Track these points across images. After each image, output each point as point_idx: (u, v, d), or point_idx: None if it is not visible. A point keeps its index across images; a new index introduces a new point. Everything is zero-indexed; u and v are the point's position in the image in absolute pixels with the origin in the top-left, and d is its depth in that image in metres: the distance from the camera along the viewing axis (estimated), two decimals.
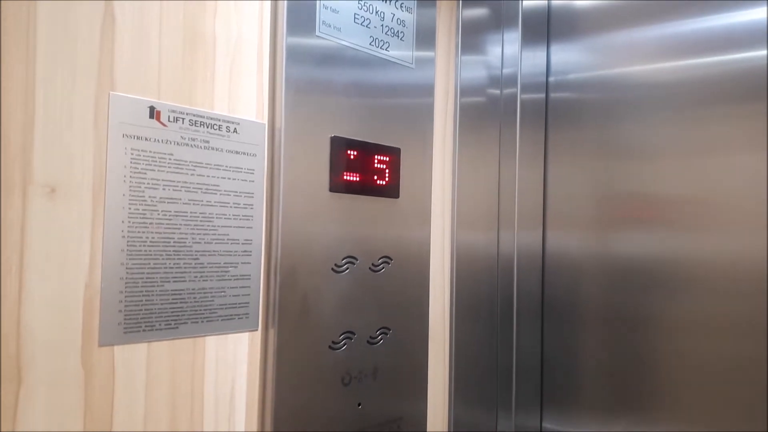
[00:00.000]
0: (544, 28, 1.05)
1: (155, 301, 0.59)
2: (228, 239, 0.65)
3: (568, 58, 1.03)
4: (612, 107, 0.96)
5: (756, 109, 0.81)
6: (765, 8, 0.81)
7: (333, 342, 0.74)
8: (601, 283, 0.97)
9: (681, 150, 0.88)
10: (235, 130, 0.65)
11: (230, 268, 0.65)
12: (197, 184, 0.62)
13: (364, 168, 0.77)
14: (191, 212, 0.61)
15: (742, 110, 0.82)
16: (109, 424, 0.56)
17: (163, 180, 0.59)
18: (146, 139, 0.58)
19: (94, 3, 0.55)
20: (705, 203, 0.85)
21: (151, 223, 0.58)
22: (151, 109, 0.59)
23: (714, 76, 0.85)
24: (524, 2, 1.01)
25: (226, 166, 0.64)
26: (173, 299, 0.60)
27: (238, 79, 0.66)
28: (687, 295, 0.87)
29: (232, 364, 0.66)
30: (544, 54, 1.05)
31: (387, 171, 0.80)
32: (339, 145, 0.74)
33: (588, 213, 0.99)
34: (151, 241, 0.59)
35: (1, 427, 0.50)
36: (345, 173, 0.75)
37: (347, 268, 0.76)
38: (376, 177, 0.78)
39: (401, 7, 0.82)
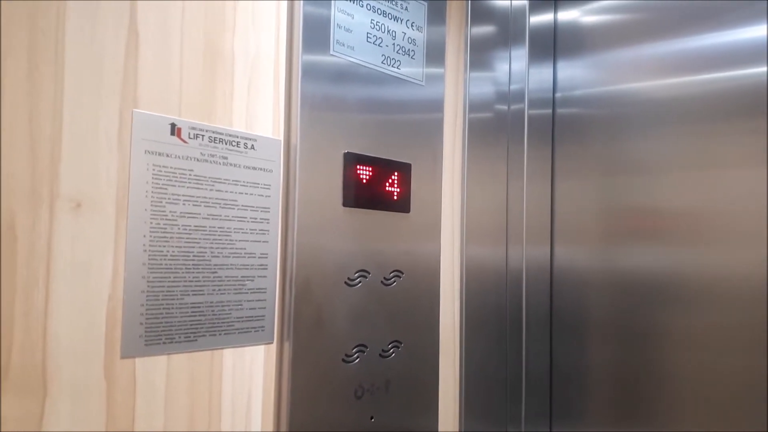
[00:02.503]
0: (550, 45, 1.07)
1: (175, 313, 0.60)
2: (245, 253, 0.66)
3: (574, 74, 1.05)
4: (618, 122, 0.98)
5: (758, 125, 0.82)
6: (765, 26, 0.83)
7: (346, 355, 0.75)
8: (609, 296, 0.97)
9: (686, 165, 0.89)
10: (252, 147, 0.66)
11: (247, 282, 0.66)
12: (216, 199, 0.63)
13: (376, 183, 0.78)
14: (210, 227, 0.63)
15: (745, 125, 0.84)
16: None
17: (183, 195, 0.61)
18: (167, 155, 0.60)
19: (119, 22, 0.57)
20: (711, 217, 0.86)
21: (171, 237, 0.60)
22: (173, 126, 0.60)
23: (717, 91, 0.87)
24: (531, 19, 1.03)
25: (244, 182, 0.66)
26: (192, 312, 0.61)
27: (256, 96, 0.67)
28: (694, 308, 0.87)
29: (249, 377, 0.66)
30: (551, 70, 1.07)
31: (398, 186, 0.81)
32: (352, 160, 0.75)
33: (595, 227, 1.00)
34: (171, 255, 0.60)
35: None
36: (358, 188, 0.76)
37: (360, 282, 0.77)
38: (387, 192, 0.80)
39: (412, 26, 0.84)
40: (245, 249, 0.66)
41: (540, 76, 1.05)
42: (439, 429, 0.88)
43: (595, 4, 1.02)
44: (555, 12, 1.07)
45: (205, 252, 0.62)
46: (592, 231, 1.00)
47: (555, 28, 1.07)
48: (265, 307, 0.68)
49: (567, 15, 1.06)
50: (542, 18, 1.06)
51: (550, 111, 1.06)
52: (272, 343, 0.69)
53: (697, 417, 0.87)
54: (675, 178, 0.90)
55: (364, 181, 0.77)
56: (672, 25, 0.92)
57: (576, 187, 1.02)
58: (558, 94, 1.06)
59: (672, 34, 0.92)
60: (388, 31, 0.80)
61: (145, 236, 0.58)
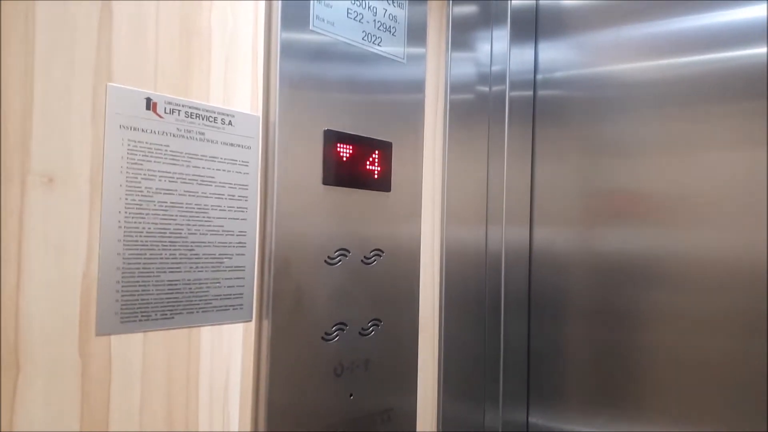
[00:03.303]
0: (532, 26, 1.07)
1: (151, 291, 0.59)
2: (223, 231, 0.65)
3: (556, 55, 1.04)
4: (599, 105, 0.98)
5: (743, 107, 0.83)
6: (747, 8, 0.83)
7: (326, 333, 0.75)
8: (588, 278, 0.98)
9: (668, 147, 0.89)
10: (230, 123, 0.66)
11: (225, 260, 0.66)
12: (193, 175, 0.62)
13: (356, 161, 0.78)
14: (187, 203, 0.62)
15: (728, 108, 0.84)
16: (106, 412, 0.56)
17: (159, 171, 0.60)
18: (143, 130, 0.59)
19: None
20: (690, 200, 0.87)
21: (147, 214, 0.59)
22: (148, 100, 0.59)
23: (702, 74, 0.87)
24: (513, 0, 1.03)
25: (221, 158, 0.65)
26: (169, 289, 0.61)
27: (234, 71, 0.66)
28: (672, 291, 0.88)
29: (227, 354, 0.66)
30: (532, 51, 1.06)
31: (379, 165, 0.81)
32: (332, 138, 0.75)
33: (574, 209, 1.00)
34: (147, 232, 0.59)
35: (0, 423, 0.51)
36: (338, 166, 0.75)
37: (340, 261, 0.76)
38: (368, 170, 0.79)
39: (393, 2, 0.83)
40: (223, 226, 0.65)
41: (521, 58, 1.05)
42: (418, 406, 0.88)
43: None
44: None
45: (182, 229, 0.62)
46: (572, 213, 1.01)
47: (537, 9, 1.07)
48: (243, 285, 0.67)
49: None
50: None
51: (531, 93, 1.06)
52: (251, 321, 0.68)
53: (674, 398, 0.88)
54: (657, 160, 0.90)
55: (345, 159, 0.76)
56: (656, 5, 0.92)
57: (556, 169, 1.03)
58: (539, 76, 1.06)
59: (656, 15, 0.92)
60: (369, 7, 0.79)
61: (120, 212, 0.57)
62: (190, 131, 0.62)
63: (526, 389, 1.04)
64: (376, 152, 0.80)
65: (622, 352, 0.93)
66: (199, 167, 0.63)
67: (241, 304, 0.67)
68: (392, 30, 0.83)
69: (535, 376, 1.04)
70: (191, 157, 0.62)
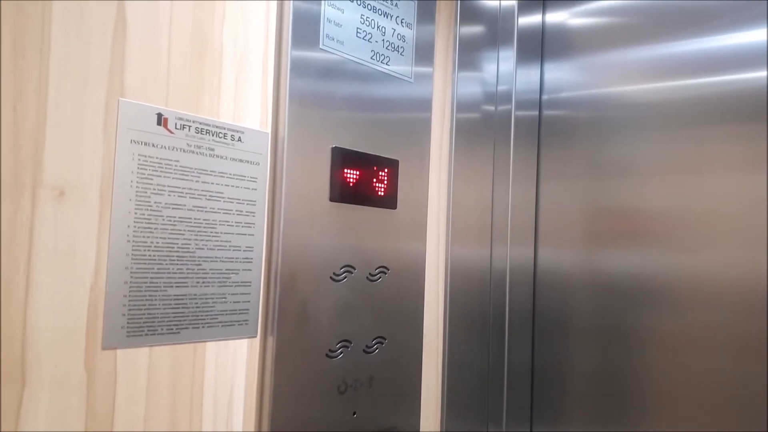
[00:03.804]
0: (538, 47, 1.07)
1: (158, 305, 0.60)
2: (230, 246, 0.65)
3: (561, 76, 1.05)
4: (604, 126, 0.98)
5: (744, 130, 0.83)
6: (751, 32, 0.84)
7: (330, 350, 0.75)
8: (591, 297, 0.98)
9: (671, 168, 0.90)
10: (239, 139, 0.66)
11: (231, 275, 0.66)
12: (201, 190, 0.63)
13: (363, 179, 0.78)
14: (195, 218, 0.62)
15: (732, 130, 0.85)
16: (110, 426, 0.56)
17: (168, 186, 0.60)
18: (153, 145, 0.59)
19: (106, 9, 0.56)
20: (693, 221, 0.87)
21: (156, 228, 0.59)
22: (159, 116, 0.60)
23: (704, 96, 0.88)
24: (519, 21, 1.04)
25: (230, 174, 0.65)
26: (176, 304, 0.61)
27: (244, 88, 0.67)
28: (674, 310, 0.88)
29: (231, 370, 0.66)
30: (538, 72, 1.07)
31: (385, 182, 0.81)
32: (339, 155, 0.75)
33: (579, 229, 1.00)
34: (155, 246, 0.59)
35: (1, 427, 0.50)
36: (345, 183, 0.76)
37: (345, 277, 0.77)
38: (374, 188, 0.80)
39: (402, 22, 0.84)
40: (230, 242, 0.65)
41: (527, 78, 1.06)
42: (421, 425, 0.88)
43: (583, 7, 1.03)
44: (543, 13, 1.08)
45: (190, 244, 0.62)
46: (576, 233, 1.01)
47: (543, 30, 1.08)
48: (249, 301, 0.67)
49: (555, 17, 1.07)
50: (530, 19, 1.06)
51: (536, 113, 1.07)
52: (256, 336, 0.68)
53: (677, 417, 0.88)
54: (661, 181, 0.91)
55: (352, 176, 0.77)
56: (661, 29, 0.93)
57: (561, 189, 1.03)
58: (545, 96, 1.07)
59: (660, 38, 0.93)
60: (378, 27, 0.80)
61: (129, 227, 0.57)
62: (200, 147, 0.63)
63: (530, 408, 1.04)
64: (383, 170, 0.81)
65: (625, 371, 0.93)
66: (208, 183, 0.63)
67: (247, 320, 0.67)
68: (400, 50, 0.84)
69: (538, 395, 1.03)
70: (200, 173, 0.63)
